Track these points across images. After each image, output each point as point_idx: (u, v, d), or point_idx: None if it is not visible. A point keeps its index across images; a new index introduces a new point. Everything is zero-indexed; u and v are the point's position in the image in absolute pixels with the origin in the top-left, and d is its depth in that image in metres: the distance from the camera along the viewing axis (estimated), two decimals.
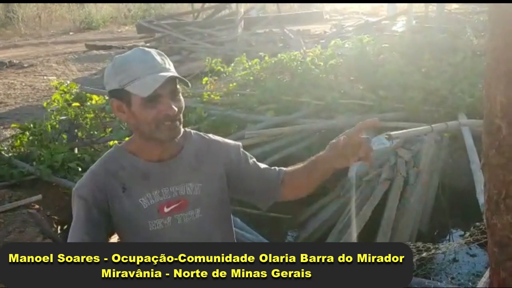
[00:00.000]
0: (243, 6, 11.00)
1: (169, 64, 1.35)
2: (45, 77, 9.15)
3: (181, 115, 1.37)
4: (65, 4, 18.22)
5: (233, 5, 10.84)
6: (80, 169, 4.05)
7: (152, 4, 19.66)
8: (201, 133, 1.55)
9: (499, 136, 1.04)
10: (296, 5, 18.64)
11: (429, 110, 4.44)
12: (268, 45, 9.11)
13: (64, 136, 4.71)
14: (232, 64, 5.44)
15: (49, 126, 4.50)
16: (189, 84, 1.41)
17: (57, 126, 4.61)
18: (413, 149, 4.01)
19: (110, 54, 11.18)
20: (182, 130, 1.38)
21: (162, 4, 19.76)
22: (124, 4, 19.54)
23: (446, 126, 3.76)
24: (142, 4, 19.58)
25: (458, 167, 4.17)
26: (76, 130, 4.79)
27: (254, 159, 1.58)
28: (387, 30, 9.08)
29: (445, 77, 4.56)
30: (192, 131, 1.54)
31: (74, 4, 18.35)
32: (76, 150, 4.61)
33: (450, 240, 4.15)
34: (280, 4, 13.99)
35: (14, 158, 4.39)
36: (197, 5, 12.60)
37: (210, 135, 1.56)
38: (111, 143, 4.38)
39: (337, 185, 4.35)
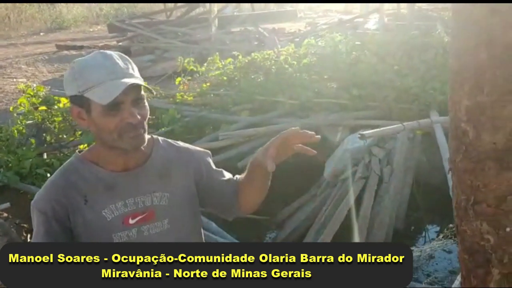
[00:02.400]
0: (216, 5, 10.90)
1: (132, 69, 1.28)
2: (14, 80, 8.88)
3: (145, 123, 1.30)
4: (35, 4, 17.75)
5: (207, 3, 10.74)
6: (48, 175, 3.93)
7: (125, 3, 19.34)
8: (169, 140, 1.48)
9: (465, 140, 1.02)
10: (271, 4, 18.63)
11: (402, 108, 4.47)
12: (243, 43, 9.06)
13: (33, 141, 4.56)
14: (205, 64, 5.37)
15: (15, 131, 4.35)
16: (154, 92, 1.35)
17: (23, 131, 4.46)
18: (387, 147, 4.03)
19: (81, 54, 10.93)
20: (146, 138, 1.31)
21: (135, 3, 19.46)
22: (96, 3, 19.17)
23: (418, 124, 3.79)
24: (114, 3, 19.25)
25: (432, 164, 4.21)
26: (44, 135, 4.65)
27: (221, 170, 1.53)
28: (360, 28, 9.14)
29: (417, 74, 4.59)
30: (160, 138, 1.48)
31: (44, 4, 17.90)
32: (45, 155, 4.48)
33: (426, 236, 4.20)
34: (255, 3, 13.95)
35: None
36: (170, 4, 12.44)
37: (180, 142, 1.50)
38: (81, 146, 4.27)
39: (313, 185, 4.35)
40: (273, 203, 4.47)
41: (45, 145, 4.64)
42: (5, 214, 3.66)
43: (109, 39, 11.69)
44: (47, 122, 4.65)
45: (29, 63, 10.48)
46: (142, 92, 1.28)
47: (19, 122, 4.55)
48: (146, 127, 1.30)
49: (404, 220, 4.07)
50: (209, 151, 1.53)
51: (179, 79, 5.32)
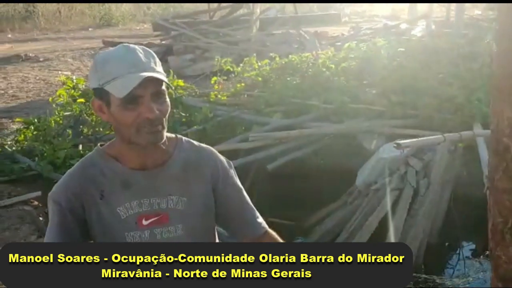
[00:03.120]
0: (260, 6, 10.89)
1: (154, 64, 1.24)
2: (59, 72, 9.18)
3: (165, 120, 1.25)
4: None
5: (250, 4, 10.74)
6: None
7: (171, 3, 19.70)
8: (194, 142, 1.43)
9: (507, 156, 0.90)
10: (315, 6, 18.48)
11: (443, 118, 4.25)
12: (283, 46, 8.98)
13: (70, 132, 4.66)
14: (241, 64, 5.33)
15: (52, 121, 4.45)
16: (173, 88, 1.30)
17: (61, 121, 4.56)
18: (425, 159, 3.84)
19: None
20: (164, 135, 1.26)
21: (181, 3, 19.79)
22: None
23: (459, 136, 3.58)
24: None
25: (472, 179, 3.98)
26: (81, 126, 4.73)
27: (241, 188, 1.44)
28: (405, 34, 8.87)
29: (462, 84, 4.36)
30: (184, 138, 1.42)
31: None
32: (80, 147, 4.55)
33: (461, 254, 3.99)
34: (299, 5, 13.83)
35: (17, 152, 4.35)
36: (214, 5, 12.54)
37: (203, 145, 1.44)
38: None
39: (344, 192, 4.22)
40: (301, 208, 4.41)
41: (81, 137, 4.73)
42: (36, 203, 3.74)
43: (154, 37, 11.89)
44: (85, 115, 4.74)
45: (75, 57, 10.82)
46: (163, 88, 1.24)
47: (57, 113, 4.66)
48: (165, 124, 1.26)
49: (438, 235, 3.88)
50: (230, 162, 1.46)
51: (214, 78, 5.31)
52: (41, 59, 10.36)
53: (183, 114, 4.62)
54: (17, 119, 4.85)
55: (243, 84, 5.17)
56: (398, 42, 5.90)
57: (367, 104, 4.53)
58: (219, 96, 5.04)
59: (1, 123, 6.02)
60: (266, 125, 4.54)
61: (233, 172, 1.44)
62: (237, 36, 9.59)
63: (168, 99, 1.26)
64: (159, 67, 1.25)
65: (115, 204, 1.30)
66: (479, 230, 3.99)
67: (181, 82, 5.02)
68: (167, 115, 1.26)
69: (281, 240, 1.44)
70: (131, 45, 1.26)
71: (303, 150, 4.36)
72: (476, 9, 12.85)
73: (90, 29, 16.79)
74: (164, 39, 10.63)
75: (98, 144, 1.39)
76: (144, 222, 1.32)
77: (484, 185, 3.41)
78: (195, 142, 1.43)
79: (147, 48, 1.27)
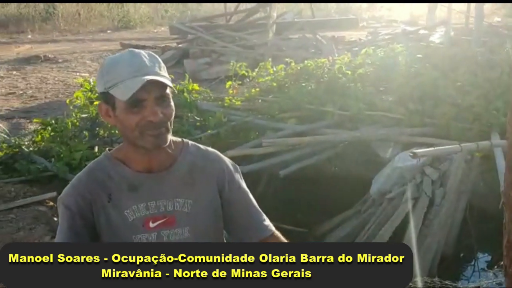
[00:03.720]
0: (276, 10, 10.88)
1: (159, 68, 1.26)
2: (77, 74, 9.29)
3: (169, 123, 1.27)
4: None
5: (267, 8, 10.73)
6: None
7: (190, 5, 19.81)
8: (200, 146, 1.44)
9: None
10: (332, 10, 18.40)
11: (461, 128, 4.18)
12: (300, 50, 8.95)
13: (86, 134, 4.71)
14: (257, 69, 5.32)
15: (69, 123, 4.50)
16: (176, 90, 1.32)
17: (77, 123, 4.61)
18: (441, 168, 3.78)
19: None
20: (169, 139, 1.29)
21: (199, 6, 19.89)
22: (162, 4, 19.76)
23: (476, 146, 3.52)
24: (180, 5, 19.75)
25: (489, 189, 3.92)
26: (97, 129, 4.77)
27: (246, 189, 1.45)
28: (424, 40, 8.78)
29: (480, 93, 4.29)
30: (190, 142, 1.44)
31: (113, 3, 18.69)
32: (96, 149, 4.59)
33: (476, 265, 3.93)
34: (316, 9, 13.79)
35: (34, 153, 4.40)
36: (231, 8, 12.58)
37: (210, 149, 1.45)
38: None
39: (358, 201, 4.18)
40: (313, 215, 4.38)
41: (97, 139, 4.77)
42: (51, 203, 3.77)
43: (171, 40, 11.97)
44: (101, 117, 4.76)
45: (93, 59, 10.94)
46: (168, 91, 1.26)
47: (74, 115, 4.71)
48: (170, 127, 1.28)
49: (453, 246, 3.82)
50: (237, 165, 1.47)
51: (229, 83, 5.31)
52: (60, 60, 10.50)
53: (197, 118, 4.63)
54: (35, 120, 4.91)
55: (257, 89, 5.15)
56: (416, 48, 5.84)
57: (384, 112, 4.48)
58: (233, 100, 5.04)
59: (19, 123, 6.11)
60: (280, 130, 4.52)
61: (239, 175, 1.45)
62: (253, 40, 9.59)
63: (172, 103, 1.28)
64: (163, 71, 1.27)
65: (122, 207, 1.32)
66: (495, 241, 3.93)
67: (196, 86, 5.03)
68: (172, 118, 1.28)
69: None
70: (137, 50, 1.28)
71: (316, 157, 4.33)
72: (496, 16, 12.66)
73: (108, 31, 16.96)
74: (180, 43, 10.69)
75: (107, 149, 1.41)
76: (151, 225, 1.33)
77: (501, 196, 3.35)
78: (202, 146, 1.45)
79: (153, 54, 1.30)
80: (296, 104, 4.66)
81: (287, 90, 4.88)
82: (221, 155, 1.46)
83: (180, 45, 10.36)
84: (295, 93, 4.69)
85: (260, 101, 4.97)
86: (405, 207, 3.61)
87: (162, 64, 1.29)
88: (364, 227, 3.79)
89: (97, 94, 4.93)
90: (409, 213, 3.59)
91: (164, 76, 1.25)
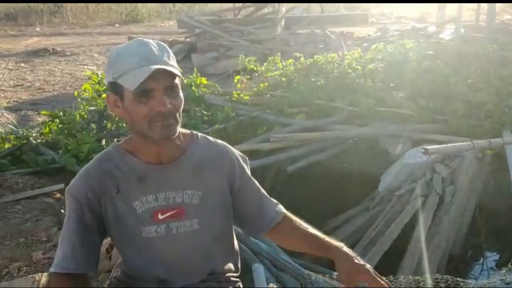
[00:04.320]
0: (285, 5, 10.80)
1: (168, 57, 1.24)
2: (85, 67, 9.29)
3: (178, 114, 1.25)
4: None
5: (276, 3, 10.67)
6: None
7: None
8: (209, 138, 1.43)
9: None
10: (341, 6, 18.27)
11: (472, 125, 4.13)
12: (308, 45, 8.89)
13: (94, 126, 4.70)
14: (265, 64, 5.28)
15: (77, 115, 4.49)
16: (184, 80, 1.30)
17: (85, 116, 4.59)
18: (452, 166, 3.73)
19: None
20: (178, 130, 1.27)
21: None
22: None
23: (488, 144, 3.46)
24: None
25: (499, 188, 3.88)
26: (105, 121, 4.76)
27: (255, 180, 1.47)
28: (433, 37, 8.68)
29: (492, 90, 4.22)
30: (200, 134, 1.43)
31: None
32: (103, 142, 4.58)
33: (484, 264, 3.88)
34: (325, 5, 13.69)
35: (41, 145, 4.40)
36: (239, 3, 12.51)
37: (219, 141, 1.44)
38: None
39: (366, 197, 4.13)
40: (321, 211, 4.34)
41: (105, 131, 4.75)
42: (58, 195, 3.77)
43: (178, 34, 11.93)
44: (109, 110, 4.76)
45: (101, 52, 10.94)
46: (176, 81, 1.23)
47: (82, 108, 4.70)
48: (179, 118, 1.26)
49: (462, 245, 3.78)
50: (246, 157, 1.47)
51: (238, 77, 5.27)
52: (68, 53, 10.51)
53: (205, 112, 4.60)
54: (43, 112, 4.90)
55: (266, 84, 5.11)
56: (427, 44, 5.77)
57: (394, 108, 4.43)
58: (241, 95, 5.00)
59: (27, 115, 6.11)
60: (289, 126, 4.48)
61: (248, 166, 1.46)
62: (261, 35, 9.53)
63: (181, 94, 1.26)
64: (172, 61, 1.25)
65: (131, 199, 1.31)
66: (504, 241, 3.89)
67: (204, 80, 5.00)
68: (181, 109, 1.26)
69: (298, 221, 1.46)
70: (145, 39, 1.26)
71: (325, 153, 4.29)
72: (507, 14, 12.52)
73: (116, 25, 16.96)
74: (188, 37, 10.65)
75: (115, 140, 1.40)
76: (160, 216, 1.32)
77: (511, 196, 3.30)
78: (211, 138, 1.44)
79: (162, 43, 1.28)
80: (305, 99, 4.62)
81: (296, 85, 4.84)
82: (230, 147, 1.45)
83: (187, 39, 10.32)
84: (304, 88, 4.65)
85: (268, 96, 4.94)
86: (414, 205, 3.57)
87: (171, 54, 1.27)
88: (372, 224, 3.74)
89: (105, 87, 4.94)
90: (418, 210, 3.55)
91: (173, 66, 1.23)
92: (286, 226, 1.44)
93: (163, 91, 1.20)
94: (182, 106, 1.27)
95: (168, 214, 1.33)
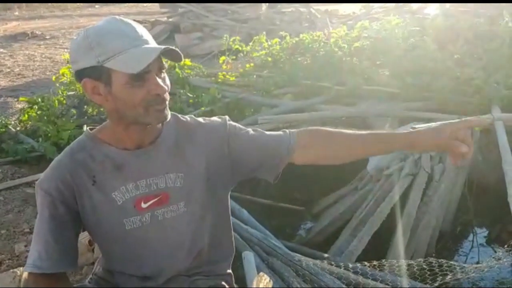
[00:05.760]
0: None
1: (147, 36, 1.15)
2: (65, 50, 9.06)
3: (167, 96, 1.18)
4: None
5: None
6: None
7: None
8: (178, 116, 1.34)
9: None
10: None
11: (460, 101, 4.09)
12: (293, 24, 8.77)
13: (74, 112, 4.56)
14: (251, 43, 5.16)
15: (56, 101, 4.34)
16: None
17: (64, 101, 4.45)
18: None
19: None
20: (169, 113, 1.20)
21: None
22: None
23: (492, 119, 3.42)
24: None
25: (488, 164, 3.87)
26: (85, 106, 4.63)
27: (250, 129, 1.35)
28: (418, 13, 8.60)
29: (479, 65, 4.17)
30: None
31: None
32: (84, 128, 4.46)
33: (474, 241, 3.90)
34: None
35: (21, 133, 4.27)
36: None
37: (190, 117, 1.35)
38: None
39: (355, 177, 4.10)
40: (310, 193, 4.30)
41: (86, 117, 4.62)
42: None
43: (161, 14, 11.69)
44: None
45: None
46: (163, 62, 1.16)
47: (60, 93, 4.55)
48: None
49: (451, 222, 3.79)
50: (225, 117, 1.37)
51: (223, 58, 5.15)
52: (47, 37, 10.25)
53: (190, 95, 4.49)
54: (21, 99, 4.75)
55: (252, 65, 5.01)
56: (412, 20, 5.69)
57: (381, 86, 4.36)
58: (227, 76, 4.89)
59: (6, 102, 5.93)
60: (276, 107, 4.39)
61: (231, 124, 1.33)
62: (246, 14, 9.36)
63: (167, 75, 1.20)
64: (151, 39, 1.17)
65: (109, 189, 1.22)
66: (493, 216, 3.90)
67: (188, 62, 4.87)
68: (169, 90, 1.20)
69: (324, 129, 1.33)
70: (121, 17, 1.16)
71: None
72: None
73: (96, 6, 16.58)
74: (171, 16, 10.42)
75: (87, 128, 1.29)
76: (143, 205, 1.24)
77: (500, 169, 3.29)
78: (180, 116, 1.34)
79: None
80: (291, 79, 4.53)
81: (282, 65, 4.74)
82: (206, 119, 1.35)
83: (170, 19, 10.10)
84: (290, 68, 4.56)
85: (254, 76, 4.83)
86: (403, 183, 3.54)
87: (148, 32, 1.19)
88: (362, 204, 3.72)
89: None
90: (407, 189, 3.53)
91: (159, 45, 1.15)
92: (310, 137, 1.31)
93: (157, 73, 1.14)
94: (170, 87, 1.20)
95: (152, 201, 1.24)
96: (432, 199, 3.51)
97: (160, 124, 1.26)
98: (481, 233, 3.97)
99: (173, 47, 1.13)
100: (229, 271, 1.48)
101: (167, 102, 1.17)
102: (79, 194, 1.22)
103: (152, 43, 1.14)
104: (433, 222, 3.51)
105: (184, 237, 1.31)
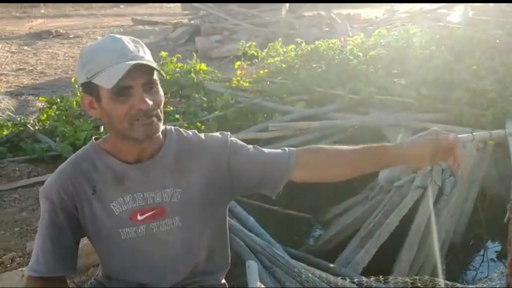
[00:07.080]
0: None
1: (144, 52, 1.19)
2: None
3: (160, 110, 1.20)
4: None
5: None
6: None
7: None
8: (182, 131, 1.37)
9: None
10: None
11: (475, 114, 4.03)
12: (313, 29, 8.75)
13: None
14: (266, 49, 5.19)
15: (74, 102, 4.44)
16: (164, 75, 1.24)
17: None
18: None
19: (155, 30, 11.17)
20: (160, 128, 1.22)
21: None
22: None
23: (489, 135, 3.37)
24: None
25: (502, 178, 3.81)
26: None
27: (251, 147, 1.36)
28: (442, 21, 8.49)
29: (495, 78, 4.11)
30: (173, 128, 1.37)
31: None
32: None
33: (485, 255, 3.84)
34: None
35: (39, 132, 4.38)
36: None
37: (190, 133, 1.37)
38: None
39: (365, 187, 4.09)
40: (319, 201, 4.30)
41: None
42: None
43: (183, 16, 11.81)
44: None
45: (104, 35, 10.74)
46: (155, 77, 1.18)
47: (79, 94, 4.65)
48: (161, 115, 1.21)
49: (462, 235, 3.73)
50: (227, 133, 1.38)
51: (238, 63, 5.19)
52: (71, 36, 10.46)
53: (204, 99, 4.54)
54: (41, 98, 4.87)
55: (266, 71, 5.03)
56: (431, 29, 5.63)
57: (395, 96, 4.34)
58: (241, 81, 4.93)
59: (27, 101, 6.09)
60: (289, 113, 4.41)
61: (232, 141, 1.35)
62: (266, 18, 9.39)
63: (161, 90, 1.21)
64: (148, 56, 1.20)
65: (107, 200, 1.26)
66: (506, 231, 3.83)
67: (203, 66, 4.93)
68: (162, 106, 1.21)
69: (323, 147, 1.39)
70: (118, 36, 1.21)
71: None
72: None
73: (121, 6, 16.83)
74: (192, 19, 10.53)
75: (93, 138, 1.34)
76: (139, 217, 1.28)
77: None
78: (183, 131, 1.36)
79: (136, 38, 1.23)
80: (305, 86, 4.54)
81: (296, 72, 4.75)
82: (207, 135, 1.37)
83: (192, 22, 10.20)
84: (304, 75, 4.56)
85: (268, 82, 4.86)
86: (413, 196, 3.52)
87: (146, 49, 1.22)
88: (371, 214, 3.71)
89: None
90: (417, 202, 3.50)
91: (149, 61, 1.18)
92: (309, 156, 1.34)
93: (141, 88, 1.16)
94: (163, 103, 1.22)
95: (148, 214, 1.28)
96: (442, 212, 3.48)
97: (162, 138, 1.29)
98: (492, 248, 3.91)
99: (147, 62, 1.15)
100: (224, 281, 1.51)
101: (156, 118, 1.19)
102: (79, 202, 1.27)
103: (140, 59, 1.16)
104: (442, 235, 3.48)
105: (179, 251, 1.34)
